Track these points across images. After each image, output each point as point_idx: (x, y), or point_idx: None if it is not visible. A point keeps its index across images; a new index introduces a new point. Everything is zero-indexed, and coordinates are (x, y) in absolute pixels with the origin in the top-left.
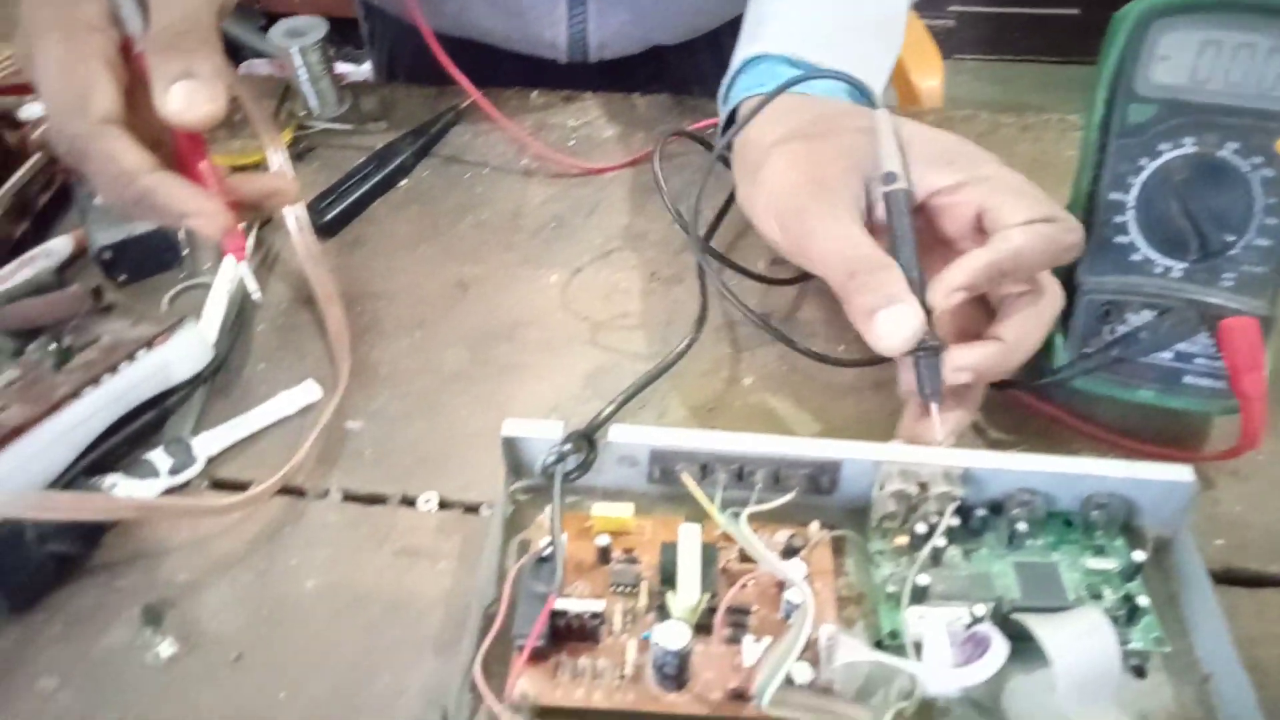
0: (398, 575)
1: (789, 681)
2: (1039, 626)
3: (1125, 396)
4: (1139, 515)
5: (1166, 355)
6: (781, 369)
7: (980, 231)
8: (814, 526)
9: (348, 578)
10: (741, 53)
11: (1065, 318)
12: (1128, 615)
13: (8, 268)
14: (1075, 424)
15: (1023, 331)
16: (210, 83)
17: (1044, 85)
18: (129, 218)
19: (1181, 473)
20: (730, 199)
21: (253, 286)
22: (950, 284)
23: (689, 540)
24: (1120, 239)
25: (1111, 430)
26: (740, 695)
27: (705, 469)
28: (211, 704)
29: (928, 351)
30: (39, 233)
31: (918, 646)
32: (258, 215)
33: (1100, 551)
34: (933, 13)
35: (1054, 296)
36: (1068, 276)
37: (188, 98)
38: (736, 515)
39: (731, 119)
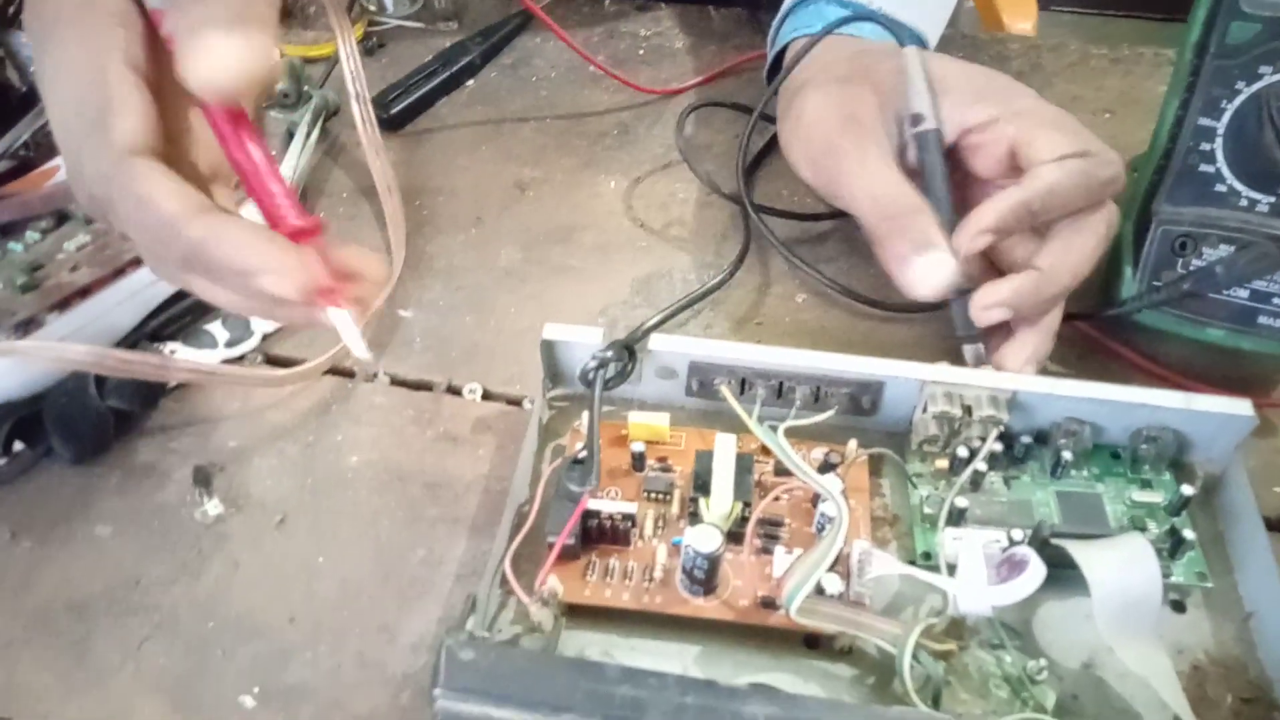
0: (439, 458)
1: (819, 591)
2: (1079, 551)
3: (1194, 335)
4: (1190, 450)
5: (1242, 293)
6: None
7: (1017, 169)
8: (852, 445)
9: (390, 456)
10: None
11: (1137, 248)
12: (1171, 549)
13: None
14: (1138, 361)
15: (1060, 257)
16: (244, 31)
17: (1143, 41)
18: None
19: (1239, 406)
20: (774, 136)
21: (360, 349)
22: (977, 225)
23: (724, 449)
24: (1205, 168)
25: (1175, 370)
26: (769, 604)
27: (744, 384)
28: (253, 561)
29: (961, 294)
30: None
31: (951, 568)
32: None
33: (1147, 485)
34: None
35: (1100, 220)
36: (1144, 206)
37: (213, 55)
38: (774, 428)
39: (778, 59)
